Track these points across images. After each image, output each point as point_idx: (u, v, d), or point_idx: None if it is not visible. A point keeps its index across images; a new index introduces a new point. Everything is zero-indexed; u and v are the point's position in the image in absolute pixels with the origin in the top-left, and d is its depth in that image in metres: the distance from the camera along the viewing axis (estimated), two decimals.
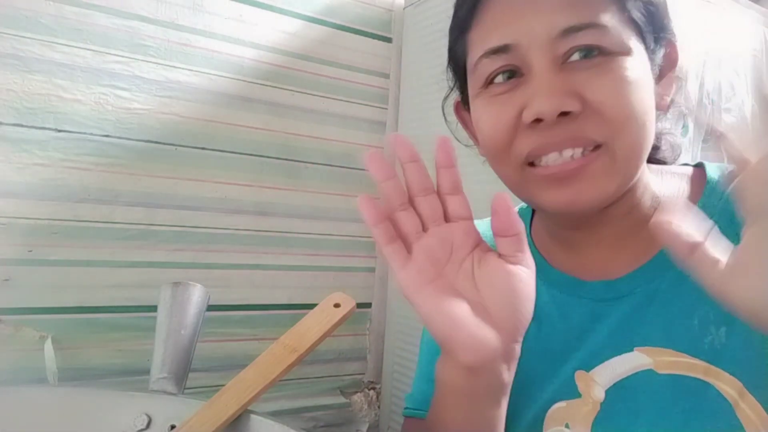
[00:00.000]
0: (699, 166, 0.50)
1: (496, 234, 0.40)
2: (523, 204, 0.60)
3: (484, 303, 0.39)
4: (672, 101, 0.48)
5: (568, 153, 0.41)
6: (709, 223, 0.33)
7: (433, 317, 0.39)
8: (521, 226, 0.39)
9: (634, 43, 0.42)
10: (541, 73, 0.41)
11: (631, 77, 0.41)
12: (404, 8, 1.27)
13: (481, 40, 0.44)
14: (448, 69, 0.53)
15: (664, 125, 0.51)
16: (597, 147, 0.41)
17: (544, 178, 0.42)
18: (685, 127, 0.95)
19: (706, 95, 1.00)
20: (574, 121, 0.40)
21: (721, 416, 0.40)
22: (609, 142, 0.41)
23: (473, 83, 0.47)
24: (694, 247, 0.31)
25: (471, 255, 0.41)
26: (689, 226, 0.32)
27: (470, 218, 0.41)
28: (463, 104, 0.53)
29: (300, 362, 0.51)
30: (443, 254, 0.40)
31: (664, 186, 0.49)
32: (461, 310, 0.38)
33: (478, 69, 0.45)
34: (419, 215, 0.41)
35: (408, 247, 0.40)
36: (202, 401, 0.49)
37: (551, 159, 0.42)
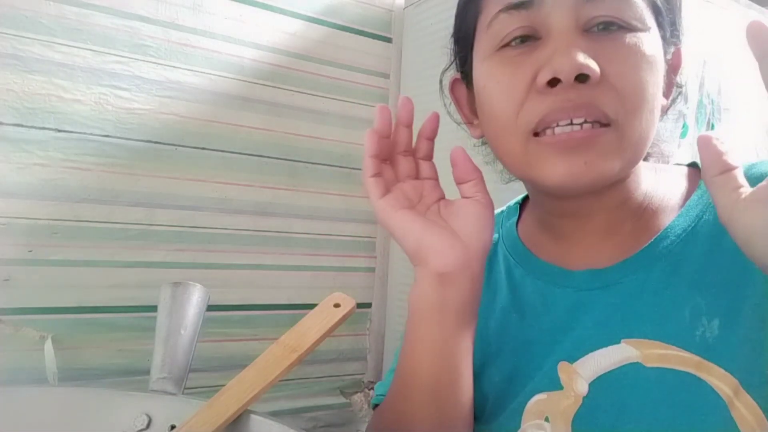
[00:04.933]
0: (692, 166, 0.50)
1: (458, 181, 0.47)
2: (510, 202, 0.60)
3: (450, 227, 0.45)
4: (669, 106, 0.48)
5: (579, 122, 0.40)
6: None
7: (407, 230, 0.44)
8: (479, 172, 0.46)
9: (653, 24, 0.42)
10: (562, 33, 0.40)
11: (649, 54, 0.41)
12: (404, 8, 1.27)
13: None
14: (452, 38, 0.52)
15: (660, 129, 0.51)
16: (607, 124, 0.40)
17: (551, 146, 0.41)
18: (685, 126, 0.95)
19: (706, 95, 1.00)
20: (589, 90, 0.39)
21: (714, 414, 0.38)
22: (620, 121, 0.40)
23: (485, 43, 0.45)
24: (727, 169, 0.33)
25: (437, 203, 0.47)
26: (730, 150, 0.33)
27: (437, 179, 0.48)
28: (464, 78, 0.51)
29: (300, 362, 0.50)
30: (415, 197, 0.47)
31: (658, 181, 0.48)
32: (432, 224, 0.44)
33: (493, 26, 0.43)
34: (397, 169, 0.48)
35: (387, 190, 0.46)
36: (202, 401, 0.49)
37: (561, 127, 0.40)
